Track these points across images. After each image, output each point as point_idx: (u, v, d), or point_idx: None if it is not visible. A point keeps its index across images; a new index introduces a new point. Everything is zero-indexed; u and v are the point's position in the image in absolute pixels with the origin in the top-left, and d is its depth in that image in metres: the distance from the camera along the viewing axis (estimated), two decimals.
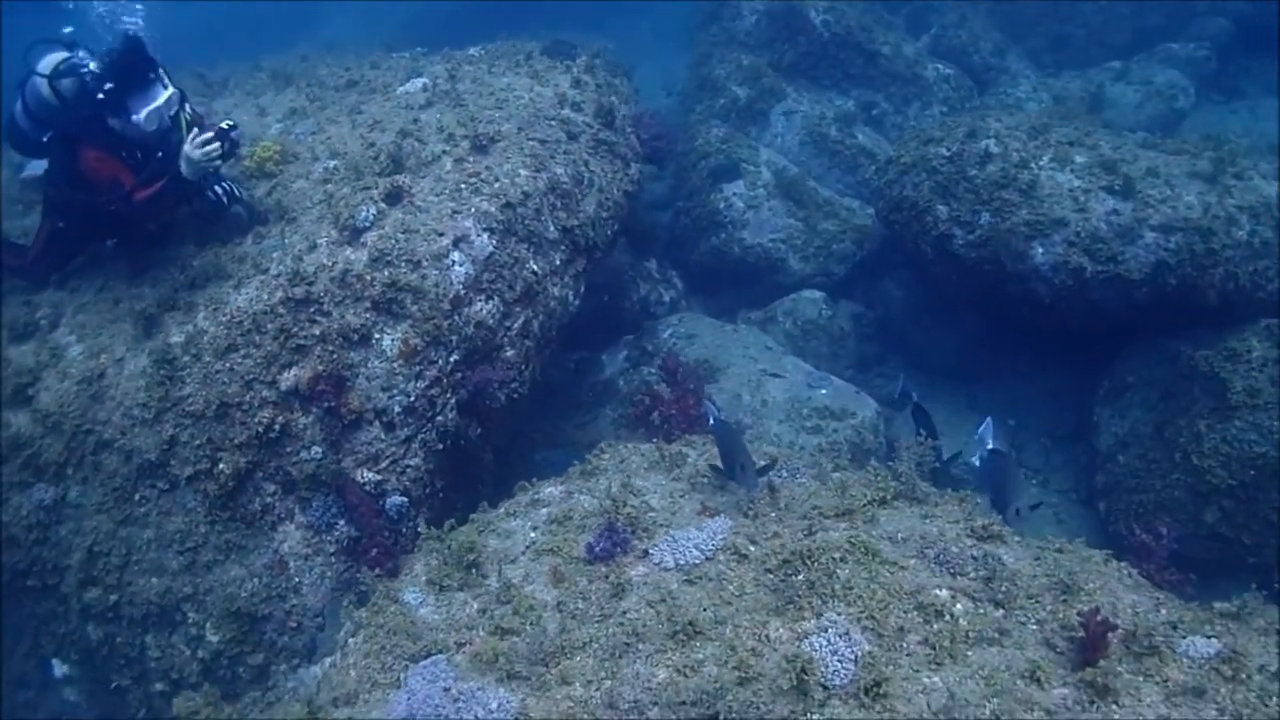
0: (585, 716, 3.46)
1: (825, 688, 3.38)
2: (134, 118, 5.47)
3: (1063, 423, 8.29)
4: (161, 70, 5.53)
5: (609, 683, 3.58)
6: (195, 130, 5.54)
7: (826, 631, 3.56)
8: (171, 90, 5.57)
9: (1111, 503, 7.16)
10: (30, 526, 5.31)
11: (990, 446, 6.35)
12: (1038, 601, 3.84)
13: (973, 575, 3.98)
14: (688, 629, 3.67)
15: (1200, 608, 3.88)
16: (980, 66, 11.69)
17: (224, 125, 5.64)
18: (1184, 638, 3.57)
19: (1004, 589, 3.86)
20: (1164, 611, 3.76)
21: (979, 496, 5.25)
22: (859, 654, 3.48)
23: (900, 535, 4.28)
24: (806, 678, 3.32)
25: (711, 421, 5.06)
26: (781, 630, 3.64)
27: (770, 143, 10.50)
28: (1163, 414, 7.03)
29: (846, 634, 3.55)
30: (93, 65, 5.68)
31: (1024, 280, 7.27)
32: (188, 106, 5.83)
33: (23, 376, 5.41)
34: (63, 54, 5.84)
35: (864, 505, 4.50)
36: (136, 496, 5.28)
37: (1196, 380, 6.77)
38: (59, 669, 5.53)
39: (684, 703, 3.32)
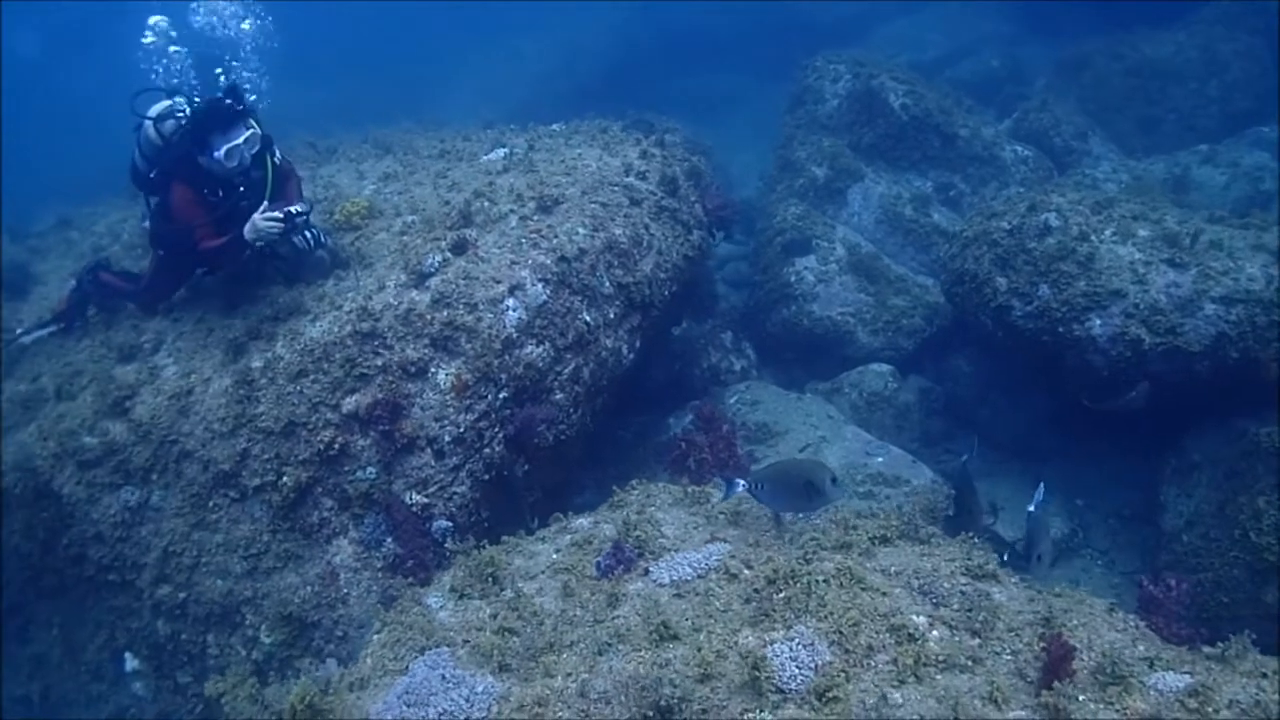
0: (557, 702, 3.69)
1: (781, 691, 3.51)
2: (215, 154, 6.05)
3: (1131, 503, 8.05)
4: (251, 115, 6.15)
5: (585, 676, 3.81)
6: (266, 204, 6.15)
7: (792, 641, 3.71)
8: (253, 130, 6.14)
9: None
10: (116, 525, 5.91)
11: (1030, 509, 6.34)
12: (1016, 634, 3.87)
13: (955, 606, 4.04)
14: (661, 630, 3.87)
15: (1187, 650, 3.81)
16: (1061, 149, 11.71)
17: (295, 209, 6.15)
18: (1155, 672, 3.54)
19: (983, 619, 3.91)
20: (1141, 648, 3.73)
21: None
22: (819, 663, 3.60)
23: (894, 569, 4.38)
24: (758, 675, 3.47)
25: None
26: (750, 638, 3.80)
27: (847, 221, 10.77)
28: (1226, 492, 6.79)
29: (811, 644, 3.68)
30: (188, 108, 6.49)
31: (1081, 351, 7.24)
32: (276, 152, 6.49)
33: (123, 390, 6.11)
34: (168, 100, 6.69)
35: (864, 541, 4.61)
36: (210, 503, 5.84)
37: (1261, 457, 6.56)
38: (130, 663, 6.07)
39: (640, 689, 3.52)
